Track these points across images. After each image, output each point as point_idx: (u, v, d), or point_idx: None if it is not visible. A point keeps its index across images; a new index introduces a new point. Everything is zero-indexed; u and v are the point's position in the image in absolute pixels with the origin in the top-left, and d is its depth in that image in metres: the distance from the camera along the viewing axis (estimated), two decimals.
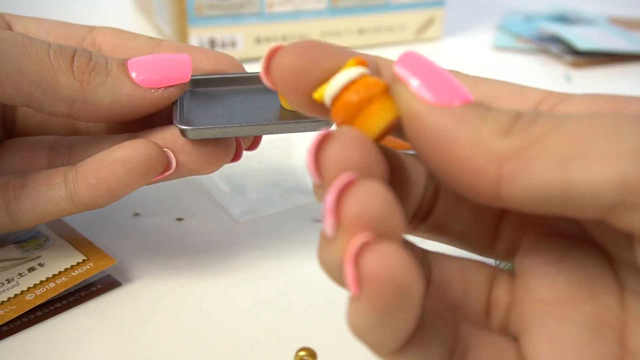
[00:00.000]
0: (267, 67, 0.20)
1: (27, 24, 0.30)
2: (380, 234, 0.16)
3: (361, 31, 0.61)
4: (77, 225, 0.33)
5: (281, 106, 0.29)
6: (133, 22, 0.68)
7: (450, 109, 0.17)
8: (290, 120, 0.27)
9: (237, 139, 0.29)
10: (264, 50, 0.57)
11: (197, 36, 0.56)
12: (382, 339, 0.17)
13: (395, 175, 0.21)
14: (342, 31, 0.60)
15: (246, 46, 0.57)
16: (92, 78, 0.26)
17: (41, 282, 0.28)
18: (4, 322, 0.27)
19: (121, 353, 0.26)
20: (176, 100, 0.28)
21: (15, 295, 0.28)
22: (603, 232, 0.19)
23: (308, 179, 0.38)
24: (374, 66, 0.21)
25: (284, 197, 0.37)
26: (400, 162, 0.21)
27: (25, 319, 0.28)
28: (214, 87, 0.30)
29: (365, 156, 0.17)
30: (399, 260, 0.15)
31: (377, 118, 0.18)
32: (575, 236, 0.20)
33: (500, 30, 0.69)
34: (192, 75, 0.28)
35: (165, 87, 0.27)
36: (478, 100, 0.18)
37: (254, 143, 0.31)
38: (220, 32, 0.56)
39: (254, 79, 0.30)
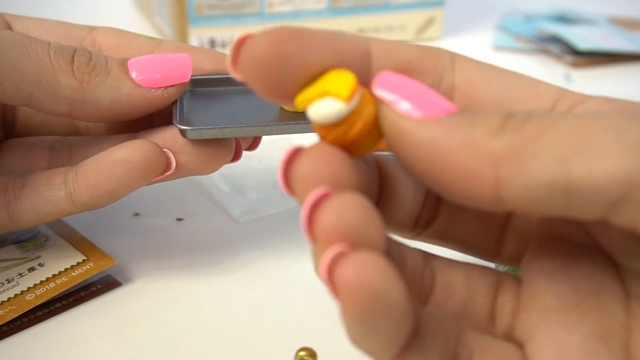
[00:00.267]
0: (235, 59, 0.18)
1: (27, 24, 0.30)
2: (356, 245, 0.16)
3: (361, 31, 0.61)
4: (77, 225, 0.33)
5: (281, 107, 0.29)
6: (133, 22, 0.68)
7: (437, 121, 0.17)
8: (290, 121, 0.27)
9: (237, 139, 0.29)
10: None
11: (197, 36, 0.56)
12: (375, 347, 0.17)
13: (386, 182, 0.21)
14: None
15: None
16: (92, 78, 0.26)
17: (41, 282, 0.28)
18: (4, 322, 0.27)
19: (121, 353, 0.26)
20: (176, 100, 0.28)
21: (15, 295, 0.28)
22: (609, 240, 0.19)
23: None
24: (364, 55, 0.18)
25: (284, 197, 0.37)
26: (392, 169, 0.21)
27: (25, 319, 0.28)
28: (214, 87, 0.30)
29: (338, 170, 0.17)
30: (375, 268, 0.15)
31: (369, 144, 0.18)
32: (581, 243, 0.20)
33: (500, 30, 0.69)
34: (192, 75, 0.28)
35: (166, 87, 0.27)
36: (462, 109, 0.17)
37: (253, 143, 0.31)
38: (220, 32, 0.56)
39: None
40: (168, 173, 0.27)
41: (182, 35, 0.55)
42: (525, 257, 0.21)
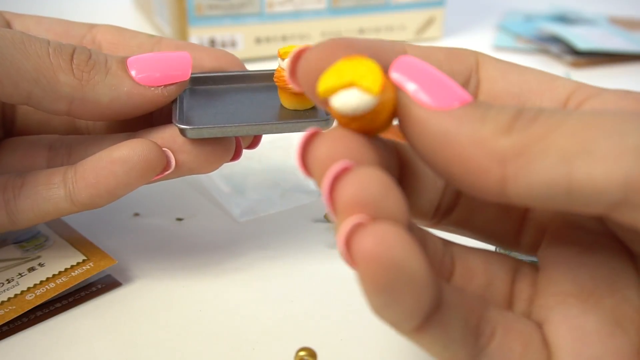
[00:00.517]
0: (293, 71, 0.19)
1: (26, 22, 0.30)
2: (377, 216, 0.16)
3: (361, 31, 0.61)
4: (77, 225, 0.33)
5: (281, 105, 0.28)
6: (133, 22, 0.68)
7: (450, 112, 0.17)
8: (291, 120, 0.27)
9: (236, 137, 0.29)
10: (264, 50, 0.58)
11: (197, 36, 0.55)
12: (395, 317, 0.17)
13: (407, 170, 0.21)
14: (342, 31, 0.60)
15: (246, 46, 0.57)
16: (92, 76, 0.26)
17: (41, 282, 0.28)
18: (4, 322, 0.27)
19: (121, 353, 0.26)
20: (175, 99, 0.28)
21: (15, 295, 0.28)
22: (622, 230, 0.19)
23: (308, 179, 0.38)
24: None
25: (284, 197, 0.37)
26: (412, 157, 0.21)
27: (25, 319, 0.27)
28: (214, 85, 0.30)
29: (357, 148, 0.17)
30: (394, 239, 0.15)
31: (384, 127, 0.18)
32: (597, 231, 0.20)
33: (500, 30, 0.69)
34: (192, 73, 0.28)
35: (165, 85, 0.27)
36: (477, 100, 0.18)
37: (253, 142, 0.31)
38: (220, 32, 0.56)
39: (255, 77, 0.30)
40: (167, 172, 0.27)
41: (182, 35, 0.55)
42: (542, 245, 0.21)
